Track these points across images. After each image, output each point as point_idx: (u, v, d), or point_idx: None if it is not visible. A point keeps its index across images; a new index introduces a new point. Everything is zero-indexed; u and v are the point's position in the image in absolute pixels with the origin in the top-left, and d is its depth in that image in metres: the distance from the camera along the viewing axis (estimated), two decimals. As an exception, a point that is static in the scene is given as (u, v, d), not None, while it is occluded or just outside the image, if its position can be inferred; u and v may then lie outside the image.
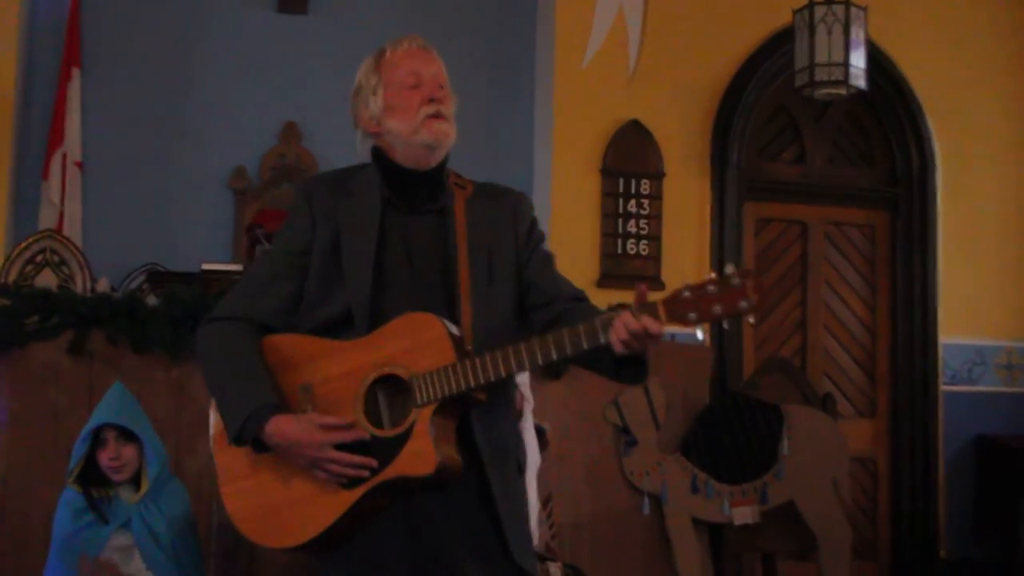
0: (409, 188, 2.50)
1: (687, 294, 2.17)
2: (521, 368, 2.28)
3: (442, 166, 2.54)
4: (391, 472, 2.30)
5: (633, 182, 6.42)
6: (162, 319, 4.52)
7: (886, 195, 6.91)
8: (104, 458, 3.60)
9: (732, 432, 5.25)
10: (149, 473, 3.61)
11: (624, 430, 5.09)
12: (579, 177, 6.38)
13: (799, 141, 6.91)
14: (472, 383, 2.28)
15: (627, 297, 5.50)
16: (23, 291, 4.55)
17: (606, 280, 6.28)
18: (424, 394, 2.30)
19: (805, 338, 6.75)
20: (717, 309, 2.14)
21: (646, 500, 5.10)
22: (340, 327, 2.41)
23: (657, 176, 6.46)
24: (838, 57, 6.09)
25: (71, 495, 3.64)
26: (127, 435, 3.62)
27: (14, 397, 4.39)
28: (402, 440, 2.30)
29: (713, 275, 2.18)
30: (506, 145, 6.90)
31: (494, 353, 2.28)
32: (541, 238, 2.61)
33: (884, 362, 6.81)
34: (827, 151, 6.93)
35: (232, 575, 4.21)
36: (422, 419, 2.29)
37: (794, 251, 6.83)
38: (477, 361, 2.28)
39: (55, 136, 6.54)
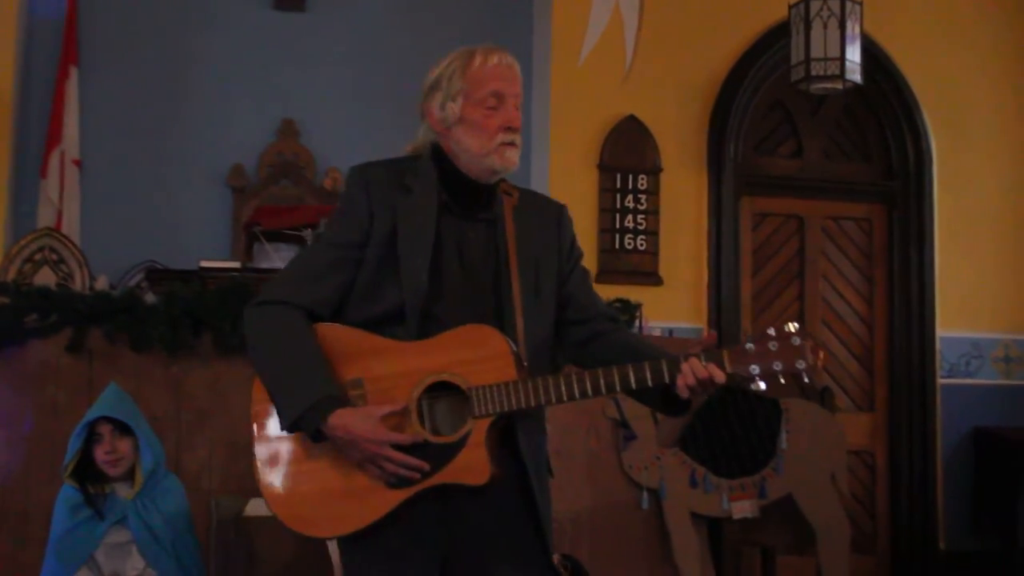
0: (466, 195, 2.51)
1: (751, 346, 2.30)
2: (584, 395, 2.34)
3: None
4: (443, 478, 2.34)
5: (630, 177, 6.42)
6: (160, 317, 4.53)
7: (882, 189, 6.92)
8: (100, 453, 3.61)
9: (731, 426, 5.26)
10: (143, 467, 3.61)
11: (623, 424, 5.10)
12: (576, 173, 6.38)
13: (795, 136, 6.91)
14: (532, 403, 2.33)
15: (626, 292, 5.56)
16: (22, 289, 4.56)
17: (604, 275, 6.28)
18: (483, 406, 2.33)
19: (803, 332, 6.73)
20: (777, 366, 2.29)
21: (645, 494, 5.10)
22: (388, 324, 2.42)
23: (654, 171, 6.46)
24: (834, 52, 6.09)
25: (68, 491, 3.64)
26: (122, 430, 3.63)
27: (13, 395, 4.39)
28: (454, 447, 2.34)
29: (773, 330, 2.31)
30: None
31: (557, 377, 2.34)
32: (581, 254, 2.66)
33: (881, 356, 6.82)
34: (823, 146, 6.93)
35: (231, 572, 4.22)
36: (478, 430, 2.33)
37: (791, 245, 6.84)
38: (540, 382, 2.34)
39: (53, 134, 6.55)
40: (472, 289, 2.46)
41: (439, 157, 2.52)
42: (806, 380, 2.30)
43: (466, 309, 2.41)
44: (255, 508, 4.20)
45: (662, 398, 2.40)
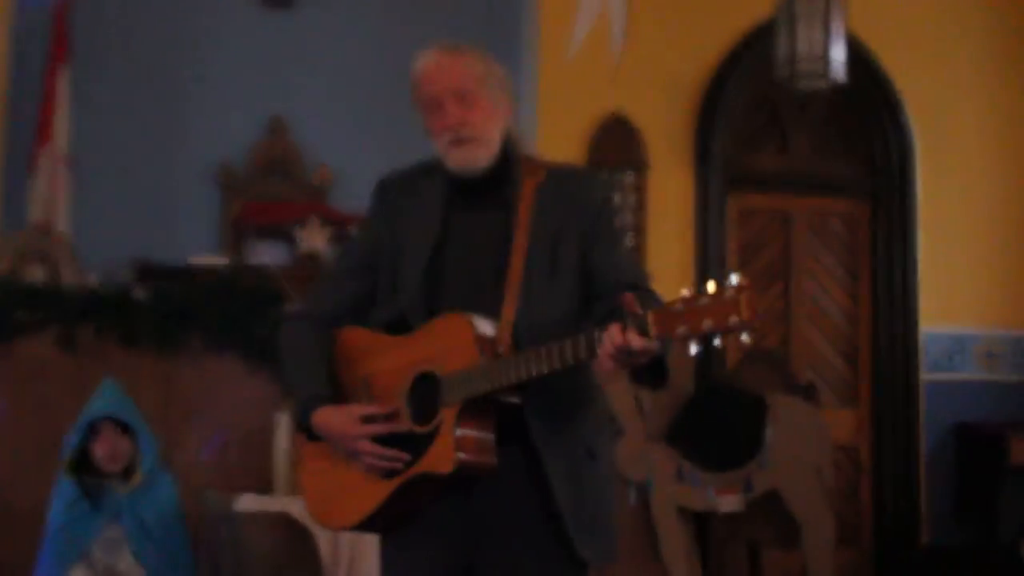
0: (469, 188, 2.51)
1: (679, 307, 2.07)
2: (520, 379, 2.25)
3: (503, 162, 2.51)
4: (418, 468, 2.35)
5: (617, 174, 6.45)
6: (149, 313, 4.56)
7: (867, 185, 6.95)
8: (100, 450, 3.66)
9: (717, 421, 5.29)
10: (143, 466, 3.67)
11: (610, 419, 5.12)
12: (563, 169, 6.38)
13: (781, 133, 6.94)
14: (491, 386, 2.29)
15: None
16: (11, 286, 4.58)
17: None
18: (450, 394, 2.33)
19: (788, 328, 6.78)
20: (707, 324, 2.02)
21: (632, 489, 5.13)
22: (399, 327, 2.47)
23: (641, 168, 6.48)
24: (818, 50, 6.13)
25: (65, 486, 3.69)
26: (121, 428, 3.67)
27: (2, 392, 4.41)
28: (429, 437, 2.35)
29: (712, 285, 2.05)
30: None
31: (518, 358, 2.27)
32: (609, 222, 2.53)
33: (866, 351, 6.85)
34: (809, 142, 6.96)
35: (220, 566, 4.25)
36: (447, 419, 2.32)
37: (777, 242, 6.87)
38: (499, 364, 2.28)
39: (43, 131, 6.53)
40: (474, 280, 2.45)
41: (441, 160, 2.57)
42: (744, 338, 2.03)
43: (467, 302, 2.39)
44: (244, 503, 4.23)
45: (633, 370, 2.25)
